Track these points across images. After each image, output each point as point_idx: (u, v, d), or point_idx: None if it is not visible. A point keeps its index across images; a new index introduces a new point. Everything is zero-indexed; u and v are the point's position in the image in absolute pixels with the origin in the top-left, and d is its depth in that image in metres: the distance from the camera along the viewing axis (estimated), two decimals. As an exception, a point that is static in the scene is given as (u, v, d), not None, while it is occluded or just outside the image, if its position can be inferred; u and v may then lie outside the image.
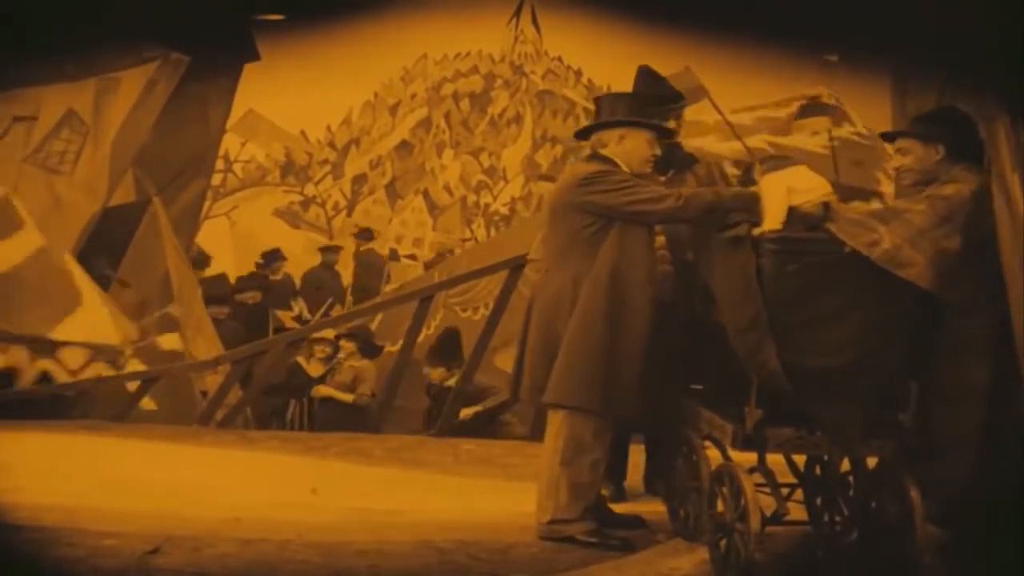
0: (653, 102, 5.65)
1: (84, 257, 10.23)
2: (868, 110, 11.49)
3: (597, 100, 5.67)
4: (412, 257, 15.29)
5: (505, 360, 9.40)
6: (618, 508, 5.71)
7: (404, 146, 17.38)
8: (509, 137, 17.47)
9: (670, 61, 12.41)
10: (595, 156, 5.42)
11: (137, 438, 7.54)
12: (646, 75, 5.92)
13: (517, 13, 17.39)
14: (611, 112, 5.46)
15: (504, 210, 17.17)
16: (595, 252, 5.24)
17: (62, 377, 9.07)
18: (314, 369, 10.13)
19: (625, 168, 5.34)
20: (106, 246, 10.81)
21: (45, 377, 9.09)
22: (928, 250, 4.81)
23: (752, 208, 4.97)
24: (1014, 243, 4.66)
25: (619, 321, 5.20)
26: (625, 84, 6.01)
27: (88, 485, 6.18)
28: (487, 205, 17.30)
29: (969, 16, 4.62)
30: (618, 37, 15.01)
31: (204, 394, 9.79)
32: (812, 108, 11.54)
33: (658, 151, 5.43)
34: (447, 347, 9.34)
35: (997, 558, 4.42)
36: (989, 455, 4.85)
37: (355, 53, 16.20)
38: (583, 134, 5.57)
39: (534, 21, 17.39)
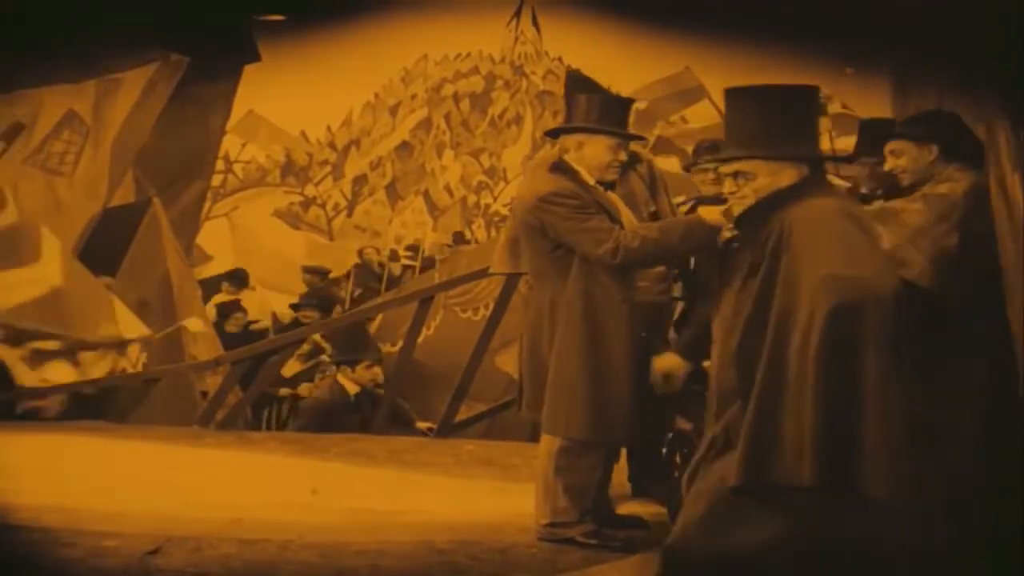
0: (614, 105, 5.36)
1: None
2: (868, 111, 11.48)
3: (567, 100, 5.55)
4: (411, 258, 15.30)
5: (505, 361, 9.40)
6: (619, 508, 5.71)
7: (404, 147, 17.40)
8: (509, 137, 17.49)
9: (670, 61, 12.48)
10: (559, 165, 5.25)
11: (137, 438, 7.54)
12: (574, 81, 5.67)
13: (517, 14, 17.41)
14: (570, 115, 5.31)
15: (504, 211, 17.18)
16: (566, 274, 5.13)
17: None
18: (289, 369, 9.98)
19: (587, 176, 5.20)
20: (106, 247, 10.81)
21: None
22: (928, 249, 4.82)
23: (707, 239, 4.91)
24: (1014, 244, 4.67)
25: (598, 348, 5.08)
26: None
27: (88, 485, 6.18)
28: (487, 206, 17.32)
29: (969, 17, 4.63)
30: (618, 37, 15.01)
31: (204, 395, 9.79)
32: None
33: (623, 157, 5.25)
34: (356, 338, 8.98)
35: (997, 559, 4.42)
36: (989, 454, 4.85)
37: (355, 54, 16.22)
38: (553, 134, 5.46)
39: (534, 22, 17.41)
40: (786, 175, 3.80)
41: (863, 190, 5.41)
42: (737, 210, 3.87)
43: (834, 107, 11.63)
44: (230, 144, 15.72)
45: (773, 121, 3.82)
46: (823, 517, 3.64)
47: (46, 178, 11.01)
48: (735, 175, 3.85)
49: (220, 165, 15.59)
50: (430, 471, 6.93)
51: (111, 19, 9.53)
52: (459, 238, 15.48)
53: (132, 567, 4.88)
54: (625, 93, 7.35)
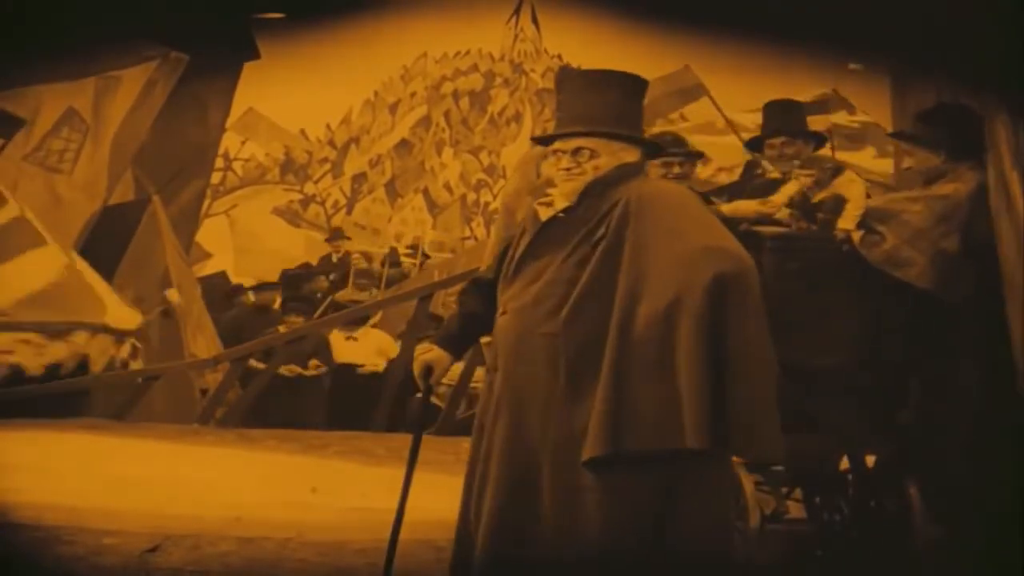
0: None
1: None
2: (868, 110, 11.51)
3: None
4: (411, 256, 15.28)
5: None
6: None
7: (404, 144, 17.38)
8: (509, 135, 17.47)
9: (670, 60, 12.47)
10: None
11: (137, 437, 7.54)
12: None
13: (517, 11, 17.39)
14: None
15: (504, 209, 17.16)
16: None
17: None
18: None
19: None
20: (106, 245, 10.81)
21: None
22: (927, 250, 4.82)
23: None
24: (1013, 242, 4.67)
25: None
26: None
27: (88, 484, 6.18)
28: (487, 204, 17.31)
29: (969, 16, 4.63)
30: (618, 36, 15.00)
31: (204, 392, 9.79)
32: (811, 107, 11.53)
33: None
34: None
35: (997, 558, 4.43)
36: (987, 454, 4.86)
37: (355, 52, 16.19)
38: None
39: (534, 19, 17.39)
40: (628, 154, 3.88)
41: (774, 173, 5.36)
42: (574, 185, 3.88)
43: (837, 116, 11.59)
44: (229, 142, 15.69)
45: (612, 104, 3.89)
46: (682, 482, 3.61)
47: (45, 176, 11.01)
48: (575, 151, 3.88)
49: (219, 163, 15.55)
50: (430, 469, 6.90)
51: (110, 17, 9.52)
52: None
53: (131, 565, 4.88)
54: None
